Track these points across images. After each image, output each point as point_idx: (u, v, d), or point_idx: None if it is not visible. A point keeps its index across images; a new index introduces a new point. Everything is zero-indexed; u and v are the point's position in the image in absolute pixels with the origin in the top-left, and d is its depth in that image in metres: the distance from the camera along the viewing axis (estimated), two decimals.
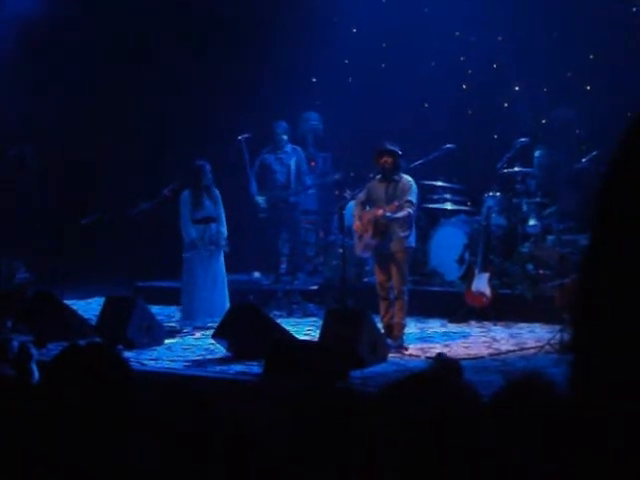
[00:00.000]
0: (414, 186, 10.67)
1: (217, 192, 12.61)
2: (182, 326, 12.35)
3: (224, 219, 12.57)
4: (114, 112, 16.26)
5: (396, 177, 10.66)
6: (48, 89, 16.05)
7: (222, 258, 12.55)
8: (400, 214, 10.47)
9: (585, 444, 1.67)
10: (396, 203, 10.46)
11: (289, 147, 14.32)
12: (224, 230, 12.51)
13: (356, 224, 10.93)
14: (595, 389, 1.66)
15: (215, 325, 10.95)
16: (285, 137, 14.22)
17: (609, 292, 1.66)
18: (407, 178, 10.71)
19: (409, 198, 10.53)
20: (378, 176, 10.77)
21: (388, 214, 10.49)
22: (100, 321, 11.26)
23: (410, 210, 10.52)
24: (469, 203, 14.42)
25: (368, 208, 10.82)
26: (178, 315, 12.74)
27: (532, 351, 10.31)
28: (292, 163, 14.26)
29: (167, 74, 16.34)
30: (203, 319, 12.21)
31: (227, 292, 12.52)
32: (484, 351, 10.47)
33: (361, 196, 10.95)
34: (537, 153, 13.74)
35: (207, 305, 12.30)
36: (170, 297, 14.29)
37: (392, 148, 10.61)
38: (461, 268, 13.27)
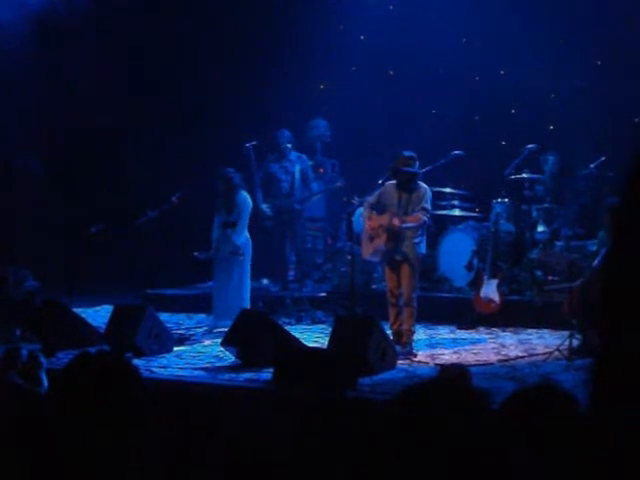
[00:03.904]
0: (429, 193, 10.65)
1: (241, 198, 12.45)
2: (212, 327, 12.34)
3: (241, 226, 12.39)
4: (119, 120, 16.29)
5: (412, 186, 10.65)
6: (53, 98, 16.09)
7: (241, 265, 12.40)
8: (418, 222, 10.48)
9: (600, 451, 1.66)
10: (418, 214, 10.45)
11: (293, 155, 14.37)
12: (236, 237, 12.37)
13: (367, 225, 10.90)
14: (615, 395, 1.65)
15: None
16: (289, 145, 14.26)
17: (632, 298, 1.66)
18: (423, 186, 10.67)
19: (425, 205, 10.53)
20: (393, 182, 10.75)
21: (405, 225, 10.49)
22: (109, 329, 11.24)
23: (425, 218, 10.52)
24: (477, 209, 14.42)
25: (375, 212, 10.80)
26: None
27: (541, 357, 10.29)
28: (296, 171, 14.31)
29: (174, 81, 16.38)
30: (224, 322, 12.04)
31: (244, 299, 12.36)
32: (493, 357, 10.45)
33: (371, 199, 10.93)
34: (550, 159, 13.73)
35: (224, 308, 12.21)
36: (179, 304, 14.33)
37: (404, 170, 10.56)
38: (470, 274, 13.26)
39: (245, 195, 12.53)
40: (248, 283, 12.52)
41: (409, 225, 10.51)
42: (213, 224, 12.59)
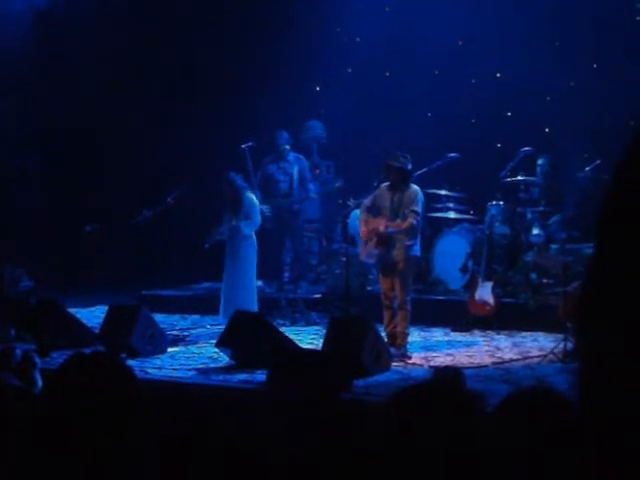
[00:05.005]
0: (420, 195, 10.65)
1: (247, 200, 12.38)
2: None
3: (252, 221, 12.35)
4: (117, 119, 16.28)
5: (403, 186, 10.65)
6: (51, 97, 16.08)
7: (246, 257, 12.36)
8: (402, 226, 10.47)
9: (591, 451, 1.67)
10: (399, 220, 10.48)
11: (292, 156, 14.38)
12: (244, 226, 12.26)
13: (362, 229, 10.92)
14: (600, 395, 1.66)
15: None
16: (287, 147, 14.29)
17: (613, 300, 1.67)
18: (414, 188, 10.69)
19: (414, 208, 10.51)
20: (386, 184, 10.77)
21: (389, 230, 10.51)
22: (103, 329, 11.24)
23: (413, 221, 10.49)
24: (472, 212, 14.42)
25: (371, 215, 10.81)
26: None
27: (535, 360, 10.30)
28: (295, 172, 14.33)
29: (171, 80, 16.37)
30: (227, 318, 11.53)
31: (250, 292, 12.30)
32: (487, 360, 10.46)
33: (367, 202, 10.95)
34: (540, 162, 13.75)
35: (228, 304, 12.13)
36: (174, 305, 14.32)
37: (396, 165, 10.57)
38: (464, 277, 13.27)
39: (251, 196, 12.52)
40: (254, 283, 12.49)
41: (394, 230, 10.52)
42: (222, 225, 12.50)
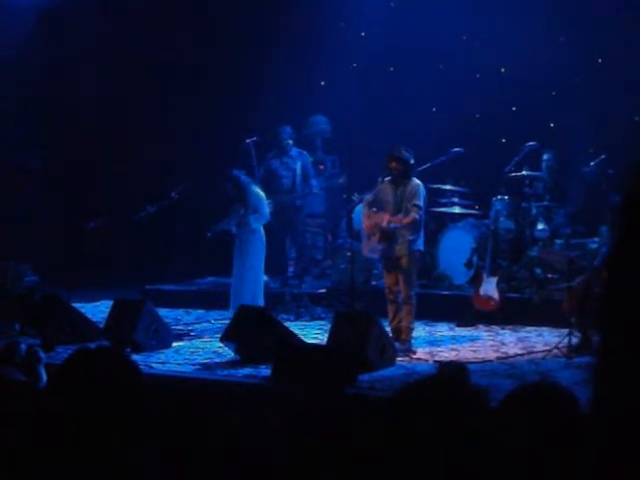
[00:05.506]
0: (421, 189, 10.64)
1: (253, 195, 12.40)
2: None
3: (260, 215, 12.39)
4: (118, 115, 16.27)
5: (405, 180, 10.64)
6: (53, 93, 16.08)
7: (254, 251, 12.41)
8: (404, 221, 10.47)
9: (600, 446, 1.66)
10: (401, 215, 10.48)
11: (294, 151, 14.39)
12: (253, 220, 12.31)
13: (365, 223, 10.92)
14: (615, 393, 1.65)
15: None
16: (290, 142, 14.29)
17: (633, 297, 1.66)
18: (415, 182, 10.68)
19: (416, 202, 10.51)
20: (388, 178, 10.76)
21: (392, 225, 10.50)
22: (108, 324, 11.25)
23: (415, 215, 10.48)
24: (477, 207, 14.41)
25: (374, 209, 10.80)
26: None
27: (540, 355, 10.29)
28: (298, 167, 14.33)
29: (174, 75, 16.36)
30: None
31: (256, 286, 12.32)
32: (492, 355, 10.46)
33: (369, 197, 10.94)
34: (545, 157, 13.74)
35: (237, 298, 12.13)
36: (178, 300, 14.32)
37: (399, 155, 10.57)
38: (469, 272, 13.27)
39: (257, 190, 12.53)
40: (262, 277, 12.50)
41: (396, 225, 10.52)
42: (230, 216, 12.53)
